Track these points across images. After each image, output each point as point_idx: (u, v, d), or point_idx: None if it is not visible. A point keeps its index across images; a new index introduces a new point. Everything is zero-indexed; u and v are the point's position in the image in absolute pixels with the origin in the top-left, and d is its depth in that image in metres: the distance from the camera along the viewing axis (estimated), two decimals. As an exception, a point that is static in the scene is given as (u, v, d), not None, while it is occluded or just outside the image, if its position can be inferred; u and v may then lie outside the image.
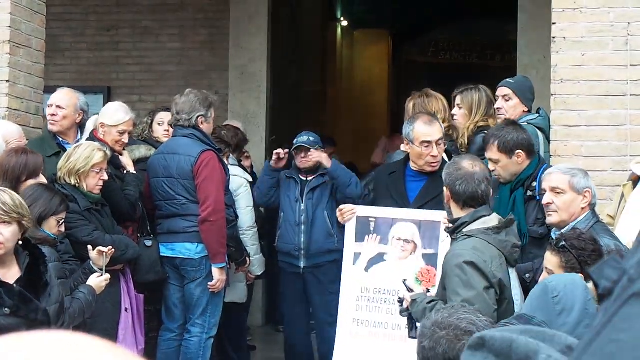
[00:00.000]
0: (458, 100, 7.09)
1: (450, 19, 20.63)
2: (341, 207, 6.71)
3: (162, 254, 7.13)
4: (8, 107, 7.39)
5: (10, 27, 7.40)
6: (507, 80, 7.05)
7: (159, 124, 8.08)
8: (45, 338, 1.02)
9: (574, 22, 6.76)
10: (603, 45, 6.73)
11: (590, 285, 4.00)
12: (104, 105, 8.32)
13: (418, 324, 4.77)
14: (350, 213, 6.58)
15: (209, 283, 7.10)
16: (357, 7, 19.67)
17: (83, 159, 6.41)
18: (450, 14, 20.11)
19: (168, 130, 7.77)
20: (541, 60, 9.98)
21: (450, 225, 5.25)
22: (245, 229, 8.07)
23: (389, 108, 20.30)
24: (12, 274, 4.78)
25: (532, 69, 10.29)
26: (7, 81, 7.39)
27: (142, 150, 7.64)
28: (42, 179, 6.12)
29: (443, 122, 6.68)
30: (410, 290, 5.30)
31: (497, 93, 6.99)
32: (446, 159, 6.45)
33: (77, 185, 6.43)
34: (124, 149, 7.26)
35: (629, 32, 6.70)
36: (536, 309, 3.72)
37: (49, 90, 7.71)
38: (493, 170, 5.88)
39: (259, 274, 8.53)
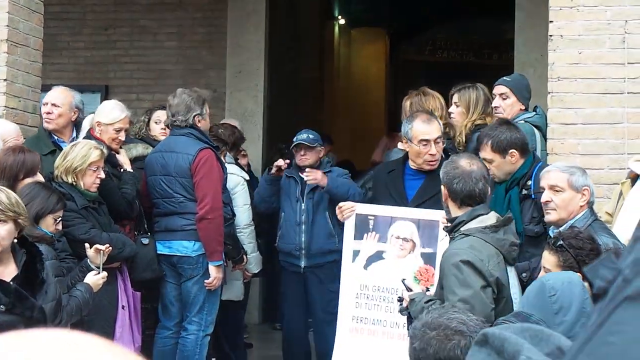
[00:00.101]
0: (455, 98, 7.08)
1: (447, 18, 20.63)
2: (340, 204, 6.70)
3: (159, 252, 7.12)
4: (5, 106, 7.38)
5: (8, 25, 7.39)
6: (504, 78, 7.04)
7: (156, 122, 8.06)
8: (43, 337, 1.02)
9: (571, 20, 6.75)
10: (600, 44, 6.71)
11: (587, 284, 4.00)
12: (101, 104, 8.31)
13: (417, 323, 4.76)
14: (350, 211, 6.57)
15: (206, 281, 7.08)
16: (355, 5, 19.66)
17: (80, 157, 6.41)
18: (448, 12, 20.10)
19: (165, 129, 7.75)
20: (538, 59, 9.96)
21: (449, 224, 5.24)
22: (242, 227, 8.06)
23: (386, 106, 20.29)
24: (8, 271, 4.78)
25: (529, 67, 10.28)
26: (5, 80, 7.38)
27: (139, 149, 7.63)
28: (40, 178, 6.12)
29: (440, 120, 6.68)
30: (409, 289, 5.28)
31: (494, 91, 6.98)
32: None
33: (74, 183, 6.43)
34: (121, 147, 7.25)
35: (626, 30, 6.69)
36: (533, 308, 3.71)
37: (47, 89, 7.70)
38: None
39: (256, 271, 8.53)
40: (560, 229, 5.30)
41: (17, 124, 7.12)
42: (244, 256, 7.95)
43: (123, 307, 6.62)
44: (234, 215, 7.74)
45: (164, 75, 11.98)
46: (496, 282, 4.90)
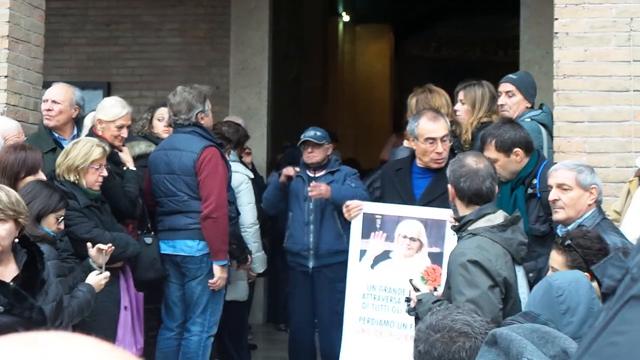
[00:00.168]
0: (461, 95, 7.07)
1: (452, 14, 20.62)
2: (347, 203, 6.67)
3: (162, 252, 7.10)
4: (7, 103, 7.37)
5: (9, 21, 7.39)
6: (510, 76, 7.03)
7: (159, 120, 8.03)
8: (42, 339, 1.01)
9: (576, 17, 6.75)
10: (605, 41, 6.71)
11: (595, 284, 3.99)
12: (104, 101, 8.30)
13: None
14: (357, 210, 6.55)
15: (210, 281, 7.06)
16: (359, 2, 19.68)
17: (82, 155, 6.39)
18: (453, 9, 20.10)
19: (168, 126, 7.73)
20: (544, 56, 9.96)
21: (456, 223, 5.23)
22: (247, 226, 8.05)
23: (391, 104, 20.30)
24: (9, 271, 4.77)
25: (535, 64, 10.28)
26: (6, 76, 7.37)
27: (142, 147, 7.61)
28: (41, 176, 6.10)
29: (445, 118, 6.67)
30: (416, 289, 5.26)
31: (500, 89, 6.97)
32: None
33: (76, 182, 6.41)
34: (123, 145, 7.23)
35: (632, 28, 6.68)
36: (540, 308, 3.70)
37: (48, 85, 7.67)
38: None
39: (261, 271, 8.51)
40: (568, 228, 5.29)
41: (18, 121, 7.10)
42: (249, 256, 7.94)
43: (125, 307, 6.59)
44: (238, 214, 7.73)
45: (166, 72, 11.98)
46: (504, 282, 4.88)
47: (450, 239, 5.88)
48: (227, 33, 11.94)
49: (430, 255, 6.19)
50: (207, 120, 7.26)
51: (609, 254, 4.40)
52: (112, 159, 6.92)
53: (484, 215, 5.05)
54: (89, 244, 5.96)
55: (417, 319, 5.01)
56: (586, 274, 4.12)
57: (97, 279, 5.75)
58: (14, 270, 4.79)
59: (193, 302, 7.11)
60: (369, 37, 20.56)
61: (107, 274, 5.86)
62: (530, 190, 6.09)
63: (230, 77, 11.86)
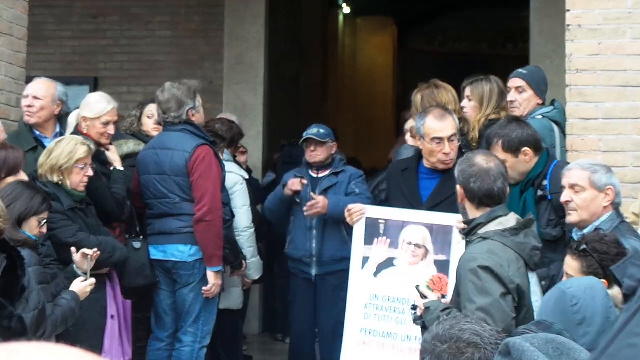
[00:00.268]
0: (468, 91, 7.06)
1: (459, 6, 20.62)
2: (349, 206, 6.63)
3: (152, 257, 7.08)
4: (-13, 99, 7.37)
5: (-10, 14, 7.38)
6: (520, 70, 7.02)
7: (148, 117, 8.02)
8: (25, 350, 1.00)
9: (589, 8, 6.73)
10: (621, 34, 6.69)
11: (611, 291, 3.96)
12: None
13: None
14: (359, 214, 6.51)
15: (204, 288, 7.03)
16: (360, -8, 19.68)
17: (66, 154, 6.37)
18: (460, 0, 20.10)
19: (158, 124, 7.72)
20: (555, 50, 9.95)
21: (465, 226, 5.20)
22: (242, 230, 8.02)
23: (394, 100, 20.33)
24: (-14, 279, 4.75)
25: (546, 58, 10.27)
26: (-14, 71, 7.37)
27: (131, 145, 7.60)
28: (23, 176, 6.09)
29: (452, 115, 6.64)
30: (423, 296, 5.22)
31: (509, 85, 6.95)
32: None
33: (60, 182, 6.39)
34: (110, 143, 7.22)
35: (648, 20, 6.67)
36: (552, 318, 3.67)
37: (31, 81, 7.67)
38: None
39: (256, 278, 8.50)
40: (584, 231, 5.26)
41: (-1, 118, 7.10)
42: (243, 261, 7.91)
43: (112, 316, 6.58)
44: (233, 216, 7.71)
45: (156, 67, 11.98)
46: (517, 290, 4.84)
47: (457, 246, 5.86)
48: (221, 26, 11.95)
49: (436, 263, 6.15)
50: (198, 117, 7.24)
51: (627, 258, 4.38)
52: (99, 158, 6.91)
53: (495, 218, 5.02)
54: (73, 249, 5.95)
55: (424, 329, 4.99)
56: (603, 280, 4.10)
57: (82, 286, 5.74)
58: (-8, 277, 4.76)
59: (185, 311, 7.09)
60: (371, 30, 20.60)
61: (93, 280, 5.84)
62: (540, 193, 6.06)
63: (224, 72, 11.87)
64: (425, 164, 6.50)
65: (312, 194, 7.70)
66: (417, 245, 6.23)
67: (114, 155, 7.21)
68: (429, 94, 7.02)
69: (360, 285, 6.45)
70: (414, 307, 5.26)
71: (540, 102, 6.89)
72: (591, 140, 6.67)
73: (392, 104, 20.24)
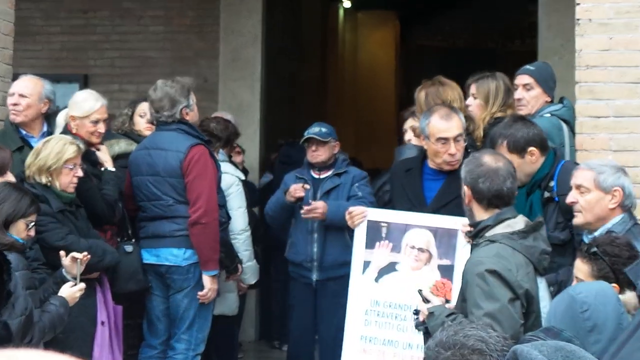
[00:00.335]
0: (473, 89, 7.03)
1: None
2: (350, 209, 6.60)
3: (144, 261, 7.06)
4: (-28, 98, 7.35)
5: (-26, 8, 7.36)
6: (527, 67, 6.99)
7: (140, 116, 8.01)
8: (11, 357, 0.98)
9: (599, 2, 6.69)
10: (632, 28, 6.66)
11: (623, 296, 3.94)
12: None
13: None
14: (361, 217, 6.48)
15: (200, 293, 7.01)
16: (361, -15, 19.65)
17: (54, 155, 6.35)
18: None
19: (151, 123, 7.69)
20: (564, 45, 9.92)
21: (471, 229, 5.17)
22: (237, 233, 8.01)
23: (396, 97, 20.30)
24: (-29, 284, 4.73)
25: (554, 54, 10.24)
26: (-29, 68, 7.35)
27: (123, 145, 7.58)
28: (10, 177, 6.07)
29: (458, 113, 6.61)
30: (426, 300, 5.19)
31: (517, 82, 6.93)
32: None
33: (48, 184, 6.38)
34: (101, 143, 7.19)
35: (662, 13, 6.64)
36: (561, 325, 3.65)
37: (18, 78, 7.65)
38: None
39: (252, 283, 8.48)
40: (595, 234, 5.24)
41: (-15, 118, 7.08)
42: (239, 265, 7.88)
43: (102, 323, 6.56)
44: (229, 218, 7.67)
45: (149, 64, 11.96)
46: (526, 295, 4.82)
47: (462, 250, 5.83)
48: (216, 21, 11.92)
49: (440, 268, 6.12)
50: (192, 116, 7.21)
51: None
52: (89, 158, 6.89)
53: (503, 221, 5.00)
54: (62, 253, 5.93)
55: (427, 335, 4.96)
56: (614, 285, 4.07)
57: (71, 291, 5.72)
58: (-23, 282, 4.74)
59: (178, 317, 7.07)
60: (372, 25, 20.58)
61: (83, 285, 5.83)
62: (547, 194, 6.03)
63: (220, 69, 11.84)
64: (430, 164, 6.46)
65: (311, 201, 7.67)
66: (420, 249, 6.20)
67: (104, 156, 7.19)
68: (434, 92, 6.98)
69: (361, 290, 6.42)
70: (417, 312, 5.23)
71: (549, 99, 6.86)
72: (601, 139, 6.63)
73: (394, 102, 20.21)
